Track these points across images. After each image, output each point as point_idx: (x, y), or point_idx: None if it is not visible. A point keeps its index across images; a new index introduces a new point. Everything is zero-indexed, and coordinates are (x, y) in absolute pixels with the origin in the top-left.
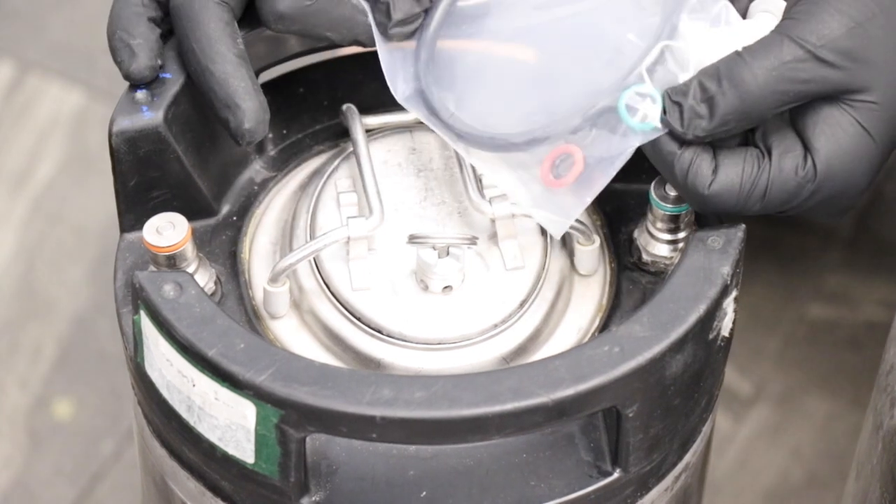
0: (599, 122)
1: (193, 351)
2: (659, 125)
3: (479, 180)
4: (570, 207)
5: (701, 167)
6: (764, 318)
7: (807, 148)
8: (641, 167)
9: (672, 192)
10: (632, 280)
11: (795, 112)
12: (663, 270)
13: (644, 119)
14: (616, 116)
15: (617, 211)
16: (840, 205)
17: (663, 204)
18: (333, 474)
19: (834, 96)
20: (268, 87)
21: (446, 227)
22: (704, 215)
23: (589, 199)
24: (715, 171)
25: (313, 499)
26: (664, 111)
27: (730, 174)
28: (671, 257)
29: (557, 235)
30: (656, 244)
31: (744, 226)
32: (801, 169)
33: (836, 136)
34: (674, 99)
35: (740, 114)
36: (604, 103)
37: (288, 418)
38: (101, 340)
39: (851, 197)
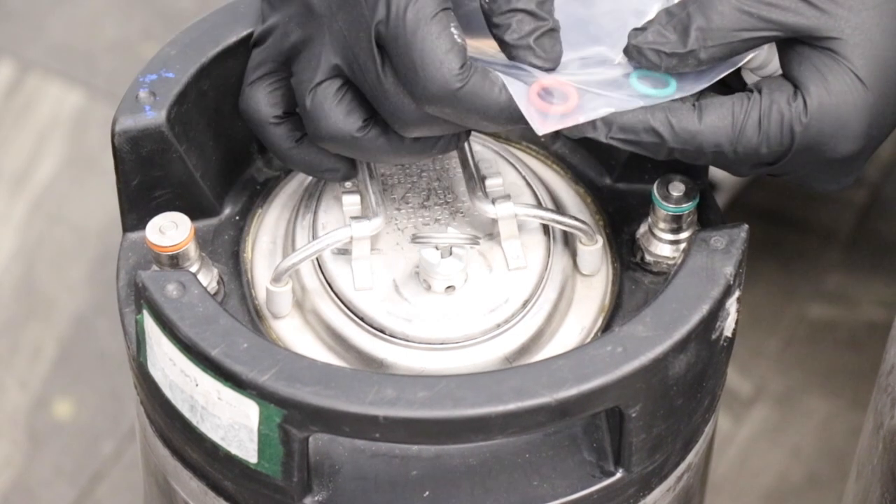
0: (610, 73)
1: (196, 350)
2: (665, 93)
3: (481, 180)
4: (549, 123)
5: (687, 107)
6: (764, 318)
7: (796, 87)
8: (644, 167)
9: (675, 193)
10: (634, 280)
11: (783, 62)
12: (666, 271)
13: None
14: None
15: (619, 211)
16: (838, 155)
17: (666, 204)
18: (336, 474)
19: (817, 43)
20: None
21: (449, 227)
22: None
23: (558, 127)
24: (703, 109)
25: (316, 498)
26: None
27: (722, 108)
28: (674, 257)
29: (539, 133)
30: (659, 244)
31: (746, 226)
32: (793, 100)
33: (824, 78)
34: (638, 39)
35: (708, 33)
36: (619, 61)
37: (291, 418)
38: (101, 340)
39: (848, 147)
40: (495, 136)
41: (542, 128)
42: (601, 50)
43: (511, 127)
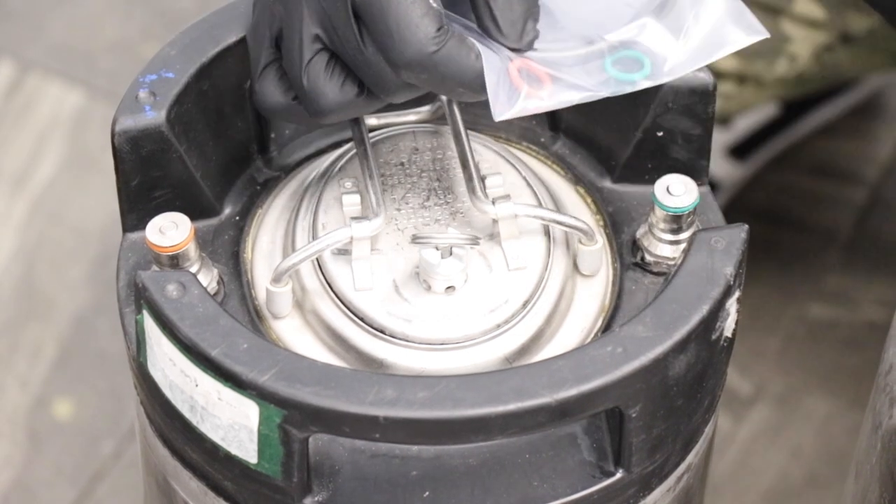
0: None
1: (196, 351)
2: (636, 79)
3: (481, 181)
4: (518, 106)
5: None
6: (764, 318)
7: None
8: (644, 168)
9: (675, 193)
10: (634, 280)
11: None
12: (666, 271)
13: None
14: (600, 63)
15: (619, 211)
16: None
17: (666, 204)
18: (336, 474)
19: None
20: None
21: (449, 228)
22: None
23: (518, 115)
24: None
25: (316, 499)
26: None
27: None
28: (674, 258)
29: (496, 118)
30: (659, 244)
31: (746, 226)
32: None
33: None
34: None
35: None
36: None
37: (291, 418)
38: (101, 340)
39: None
40: (495, 136)
41: (501, 113)
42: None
43: (485, 98)
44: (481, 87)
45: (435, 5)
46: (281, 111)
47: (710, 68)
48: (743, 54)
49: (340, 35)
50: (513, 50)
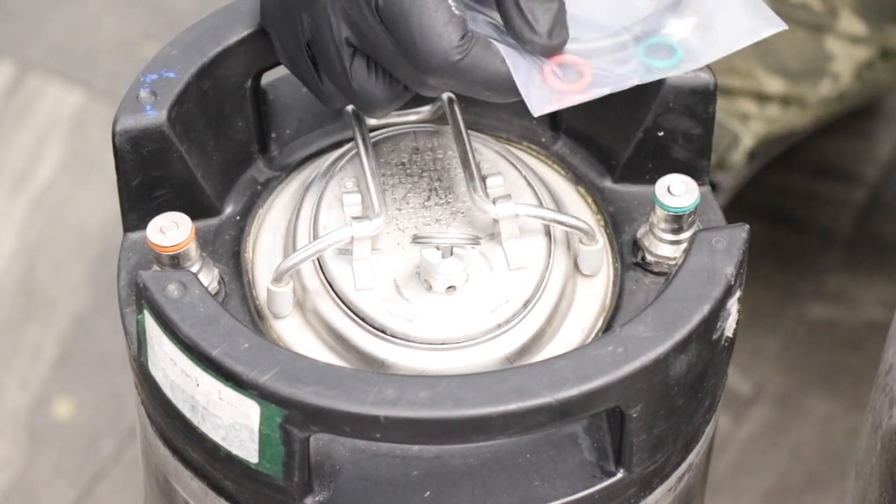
0: (615, 49)
1: (197, 350)
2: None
3: (482, 180)
4: (552, 101)
5: None
6: (764, 318)
7: None
8: (645, 168)
9: (676, 193)
10: (635, 280)
11: None
12: (667, 271)
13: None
14: (630, 51)
15: (620, 211)
16: None
17: (666, 204)
18: (337, 474)
19: None
20: (272, 87)
21: (450, 227)
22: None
23: (558, 108)
24: None
25: (317, 499)
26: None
27: None
28: (675, 257)
29: (535, 113)
30: (660, 244)
31: (747, 226)
32: None
33: None
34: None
35: None
36: (623, 37)
37: (292, 418)
38: (101, 340)
39: None
40: (496, 135)
41: (539, 109)
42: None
43: (516, 99)
44: (508, 90)
45: (458, 12)
46: (386, 102)
47: (757, 92)
48: (789, 76)
49: (371, 41)
50: (544, 50)
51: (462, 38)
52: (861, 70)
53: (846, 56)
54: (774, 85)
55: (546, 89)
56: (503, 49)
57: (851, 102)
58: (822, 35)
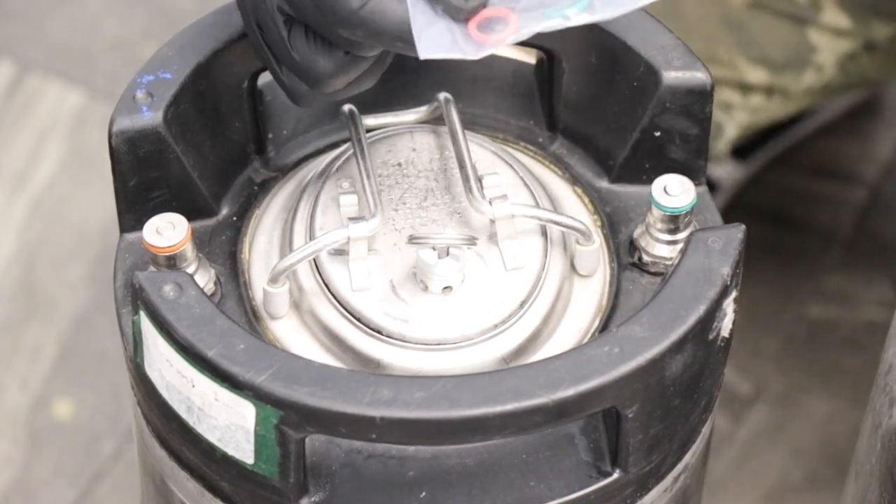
0: None
1: (193, 351)
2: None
3: (478, 181)
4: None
5: None
6: (764, 318)
7: None
8: (641, 168)
9: (672, 193)
10: (632, 280)
11: None
12: (663, 271)
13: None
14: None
15: (617, 211)
16: None
17: (663, 204)
18: (333, 475)
19: None
20: (268, 87)
21: (446, 228)
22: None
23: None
24: None
25: (312, 499)
26: None
27: None
28: (671, 258)
29: (421, 55)
30: (656, 244)
31: (743, 226)
32: None
33: None
34: None
35: None
36: None
37: (287, 419)
38: (101, 340)
39: None
40: (493, 136)
41: (425, 51)
42: None
43: (433, 56)
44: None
45: None
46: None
47: (740, 81)
48: (772, 67)
49: (297, 3)
50: (458, 13)
51: None
52: (845, 62)
53: (830, 48)
54: (757, 75)
55: (443, 36)
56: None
57: (836, 93)
58: (805, 27)
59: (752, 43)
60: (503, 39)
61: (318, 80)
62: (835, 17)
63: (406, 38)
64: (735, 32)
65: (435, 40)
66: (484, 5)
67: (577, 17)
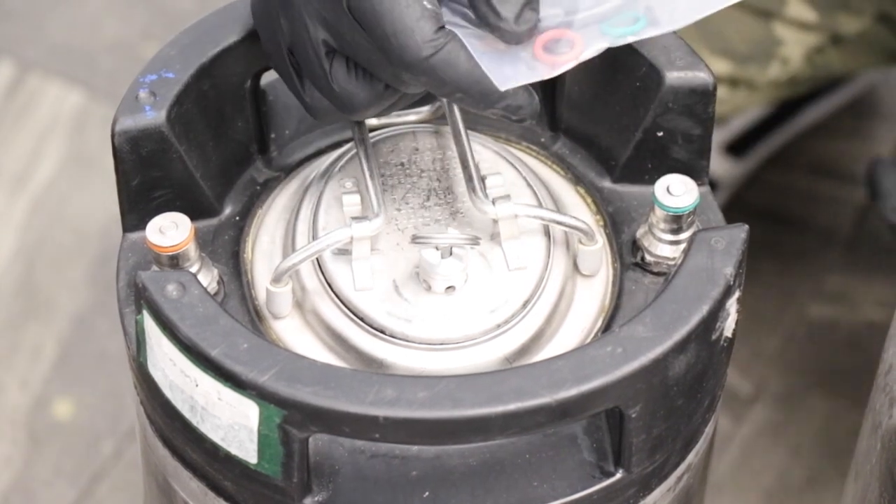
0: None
1: (196, 351)
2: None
3: (481, 181)
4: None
5: None
6: (764, 318)
7: None
8: (644, 168)
9: (675, 193)
10: (634, 281)
11: None
12: (666, 271)
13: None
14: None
15: (619, 211)
16: None
17: (666, 204)
18: (336, 474)
19: None
20: (271, 87)
21: (449, 228)
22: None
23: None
24: None
25: (316, 499)
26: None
27: None
28: (674, 258)
29: (502, 87)
30: (659, 245)
31: (746, 226)
32: None
33: None
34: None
35: None
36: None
37: (291, 418)
38: (101, 340)
39: None
40: (495, 135)
41: (504, 83)
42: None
43: (486, 107)
44: (480, 94)
45: (430, 6)
46: (368, 102)
47: None
48: (736, 58)
49: (348, 40)
50: (510, 37)
51: (436, 32)
52: (812, 55)
53: (796, 41)
54: (720, 66)
55: (516, 64)
56: (462, 32)
57: (805, 87)
58: (770, 21)
59: (715, 34)
60: (576, 57)
61: (354, 109)
62: (800, 10)
63: (468, 90)
64: (699, 23)
65: (510, 70)
66: (537, 24)
67: (644, 32)
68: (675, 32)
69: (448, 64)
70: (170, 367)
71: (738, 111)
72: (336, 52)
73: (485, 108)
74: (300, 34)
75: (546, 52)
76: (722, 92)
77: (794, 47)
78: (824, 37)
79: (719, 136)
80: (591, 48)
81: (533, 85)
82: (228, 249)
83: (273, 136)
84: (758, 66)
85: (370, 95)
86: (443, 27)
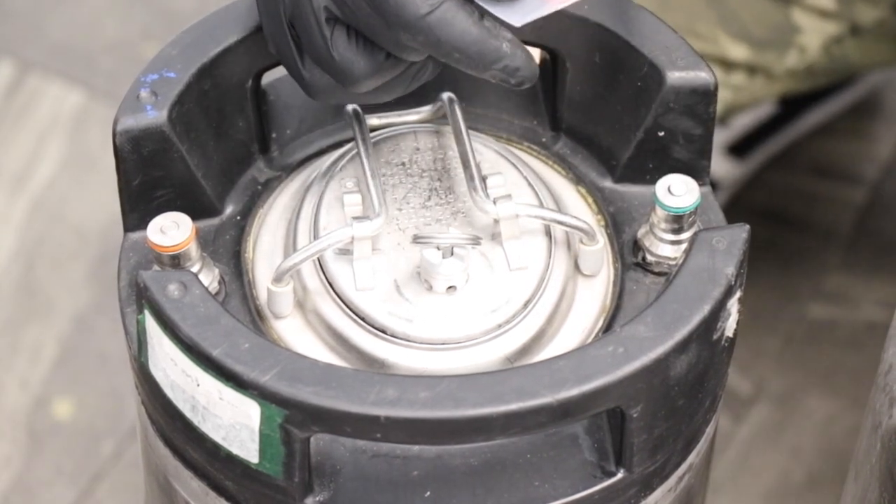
0: None
1: (197, 350)
2: None
3: (482, 180)
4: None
5: None
6: (764, 318)
7: None
8: (645, 168)
9: (676, 193)
10: (636, 280)
11: None
12: (667, 271)
13: None
14: None
15: (621, 211)
16: None
17: (667, 204)
18: (337, 474)
19: None
20: (272, 87)
21: (450, 228)
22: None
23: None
24: None
25: (317, 499)
26: None
27: None
28: (675, 258)
29: (518, 24)
30: (660, 244)
31: (748, 226)
32: None
33: None
34: None
35: None
36: None
37: (292, 418)
38: (101, 340)
39: None
40: (496, 135)
41: (521, 18)
42: None
43: (484, 68)
44: (478, 54)
45: None
46: (367, 73)
47: (721, 57)
48: (753, 43)
49: (349, 4)
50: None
51: None
52: (829, 45)
53: (814, 29)
54: (738, 51)
55: (526, 4)
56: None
57: (822, 79)
58: (788, 7)
59: (734, 18)
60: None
61: (354, 80)
62: None
63: (465, 49)
64: (716, 7)
65: (522, 10)
66: None
67: None
68: (676, 32)
69: (445, 22)
70: (171, 366)
71: (755, 101)
72: (337, 20)
73: (483, 70)
74: (302, 3)
75: None
76: (740, 79)
77: (813, 36)
78: (843, 27)
79: (722, 137)
80: None
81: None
82: (230, 249)
83: (274, 135)
84: (775, 52)
85: (370, 65)
86: None
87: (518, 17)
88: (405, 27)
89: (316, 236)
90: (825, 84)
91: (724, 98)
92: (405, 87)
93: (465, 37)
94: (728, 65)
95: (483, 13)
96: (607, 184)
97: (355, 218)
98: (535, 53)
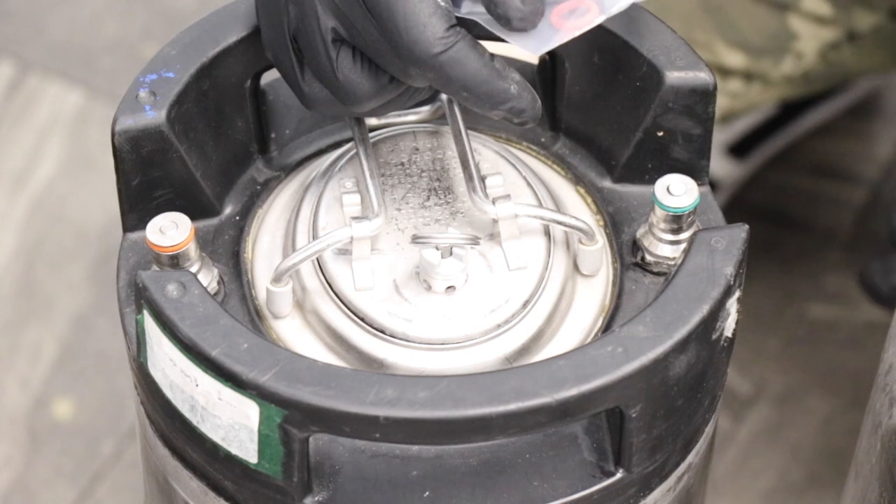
0: None
1: (196, 351)
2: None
3: (482, 180)
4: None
5: None
6: (764, 318)
7: None
8: (644, 168)
9: (675, 193)
10: (635, 280)
11: None
12: (666, 271)
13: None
14: None
15: (620, 211)
16: None
17: (666, 204)
18: (336, 474)
19: None
20: (271, 87)
21: (449, 228)
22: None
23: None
24: None
25: (316, 499)
26: None
27: None
28: (674, 258)
29: (536, 53)
30: (659, 244)
31: (747, 226)
32: None
33: None
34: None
35: None
36: None
37: (291, 418)
38: (101, 340)
39: None
40: (495, 135)
41: (537, 49)
42: None
43: (491, 108)
44: (486, 94)
45: (443, 3)
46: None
47: (717, 65)
48: (750, 51)
49: (359, 29)
50: (517, 13)
51: (447, 30)
52: (826, 51)
53: (811, 36)
54: (735, 59)
55: (543, 31)
56: (485, 20)
57: (819, 85)
58: (785, 13)
59: (731, 26)
60: (598, 15)
61: (356, 100)
62: (815, 4)
63: (474, 90)
64: (714, 15)
65: (537, 41)
66: (541, 5)
67: None
68: (675, 33)
69: (457, 62)
70: (170, 366)
71: (751, 107)
72: (343, 41)
73: (490, 109)
74: (308, 21)
75: (565, 20)
76: (736, 86)
77: (809, 42)
78: (839, 32)
79: (722, 138)
80: (603, 14)
81: (533, 84)
82: (229, 249)
83: (273, 135)
84: (772, 59)
85: (374, 87)
86: (454, 25)
87: (535, 46)
88: (416, 64)
89: (315, 236)
90: (822, 90)
91: (721, 105)
92: (403, 105)
93: (476, 77)
94: (725, 72)
95: (493, 55)
96: (606, 184)
97: (354, 218)
98: None
